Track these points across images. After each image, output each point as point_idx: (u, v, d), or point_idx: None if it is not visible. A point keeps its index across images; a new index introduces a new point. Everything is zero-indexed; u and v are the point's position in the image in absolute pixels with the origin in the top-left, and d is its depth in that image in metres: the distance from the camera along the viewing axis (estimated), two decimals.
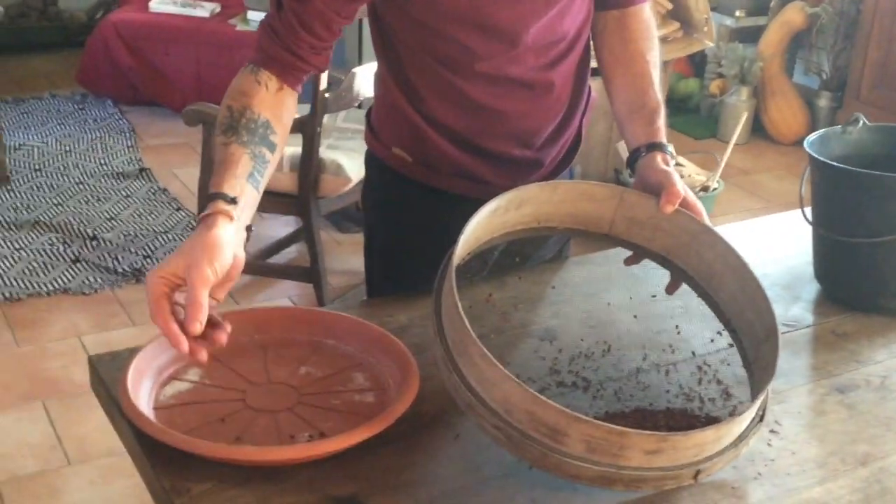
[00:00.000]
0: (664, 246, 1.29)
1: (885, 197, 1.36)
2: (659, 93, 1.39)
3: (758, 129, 4.46)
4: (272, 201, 2.79)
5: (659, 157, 1.30)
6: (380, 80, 1.44)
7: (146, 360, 1.14)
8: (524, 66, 1.36)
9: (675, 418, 1.15)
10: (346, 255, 3.25)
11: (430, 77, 1.36)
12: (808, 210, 1.48)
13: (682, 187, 1.25)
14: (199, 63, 4.34)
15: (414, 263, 1.34)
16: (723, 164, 3.30)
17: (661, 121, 1.36)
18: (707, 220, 1.26)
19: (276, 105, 1.22)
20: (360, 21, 3.22)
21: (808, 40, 4.46)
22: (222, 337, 1.07)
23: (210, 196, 1.13)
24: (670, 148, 1.33)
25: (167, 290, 1.05)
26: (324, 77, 2.56)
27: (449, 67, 1.34)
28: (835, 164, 1.40)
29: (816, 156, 1.42)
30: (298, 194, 2.70)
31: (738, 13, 4.46)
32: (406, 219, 1.49)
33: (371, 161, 1.52)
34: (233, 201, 1.13)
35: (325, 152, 2.74)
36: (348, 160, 2.73)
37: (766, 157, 4.25)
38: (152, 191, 3.70)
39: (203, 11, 4.49)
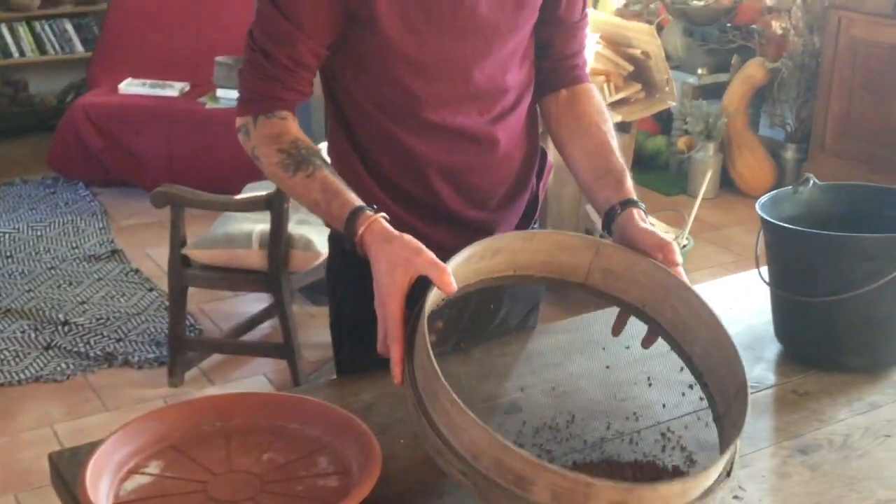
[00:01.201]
0: (639, 298, 1.30)
1: (837, 255, 1.38)
2: (621, 158, 1.42)
3: (727, 183, 4.51)
4: (243, 279, 2.79)
5: (636, 214, 1.32)
6: (333, 148, 1.47)
7: (106, 456, 1.13)
8: (469, 118, 1.40)
9: (643, 470, 1.17)
10: (322, 328, 3.24)
11: (378, 134, 1.40)
12: (766, 270, 1.50)
13: (675, 246, 1.28)
14: (170, 142, 4.38)
15: None
16: (691, 221, 3.34)
17: (629, 182, 1.39)
18: (684, 277, 1.27)
19: (300, 129, 1.36)
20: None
21: (770, 94, 4.54)
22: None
23: (356, 212, 1.23)
24: (643, 205, 1.36)
25: (405, 314, 1.13)
26: None
27: (396, 119, 1.38)
28: (785, 224, 1.42)
29: (767, 217, 1.44)
30: (269, 271, 2.70)
31: (700, 71, 4.55)
32: (369, 291, 1.51)
33: (331, 234, 1.54)
34: (371, 207, 1.24)
35: (294, 228, 2.76)
36: (318, 235, 2.75)
37: (735, 211, 4.29)
38: (124, 272, 3.70)
39: (172, 91, 4.54)
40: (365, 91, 1.38)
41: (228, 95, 4.40)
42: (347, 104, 1.41)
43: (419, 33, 1.32)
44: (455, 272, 1.16)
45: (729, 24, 4.55)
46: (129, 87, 4.54)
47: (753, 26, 4.55)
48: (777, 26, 4.48)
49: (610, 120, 1.47)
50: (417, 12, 1.31)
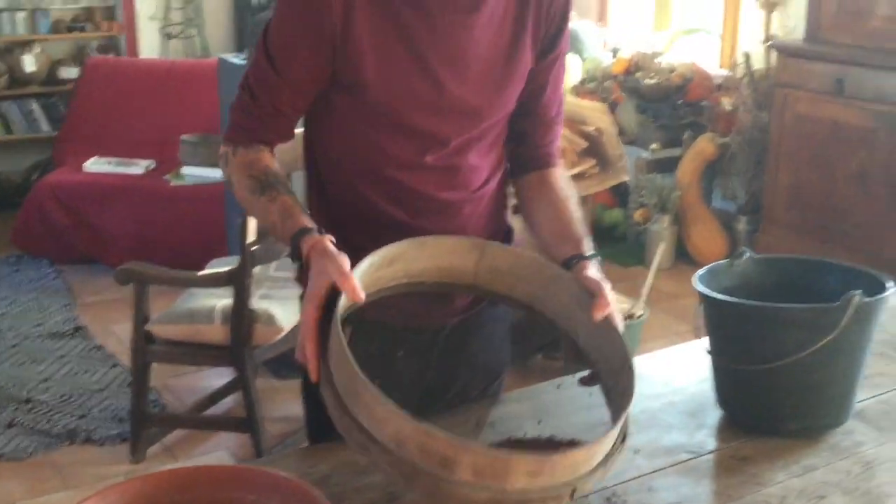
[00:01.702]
0: (526, 292, 1.41)
1: (770, 325, 1.45)
2: (583, 227, 1.52)
3: (682, 253, 4.62)
4: (206, 354, 2.83)
5: (591, 265, 1.42)
6: (306, 195, 1.56)
7: None
8: (437, 187, 1.49)
9: (554, 446, 1.29)
10: (285, 402, 3.27)
11: (346, 188, 1.49)
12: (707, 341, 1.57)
13: (611, 297, 1.36)
14: (136, 219, 4.43)
15: None
16: (646, 291, 3.42)
17: (588, 243, 1.48)
18: (617, 321, 1.36)
19: (275, 161, 1.46)
20: (288, 175, 3.34)
21: (722, 168, 4.68)
22: None
23: (301, 232, 1.32)
24: (598, 258, 1.45)
25: (319, 315, 1.22)
26: (251, 229, 2.65)
27: (366, 176, 1.47)
28: (720, 296, 1.50)
29: (704, 290, 1.52)
30: (231, 345, 2.74)
31: (653, 146, 4.69)
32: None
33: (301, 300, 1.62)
34: (318, 230, 1.33)
35: (257, 302, 2.80)
36: (281, 309, 2.79)
37: (690, 281, 4.37)
38: (88, 349, 3.71)
39: (138, 169, 4.60)
40: (339, 144, 1.48)
41: (193, 173, 4.48)
42: (320, 155, 1.51)
43: (401, 107, 1.42)
44: (361, 280, 1.24)
45: (680, 101, 4.70)
46: (95, 165, 4.59)
47: (703, 103, 4.70)
48: (726, 103, 4.64)
49: (575, 195, 1.58)
50: (400, 86, 1.41)
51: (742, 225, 4.62)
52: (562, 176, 1.59)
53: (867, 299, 1.41)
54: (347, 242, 1.39)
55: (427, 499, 1.08)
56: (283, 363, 3.36)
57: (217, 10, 5.76)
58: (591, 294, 1.36)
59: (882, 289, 1.47)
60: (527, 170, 1.59)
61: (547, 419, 1.49)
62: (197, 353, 2.82)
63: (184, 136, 4.55)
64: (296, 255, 1.33)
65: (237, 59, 3.64)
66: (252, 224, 2.62)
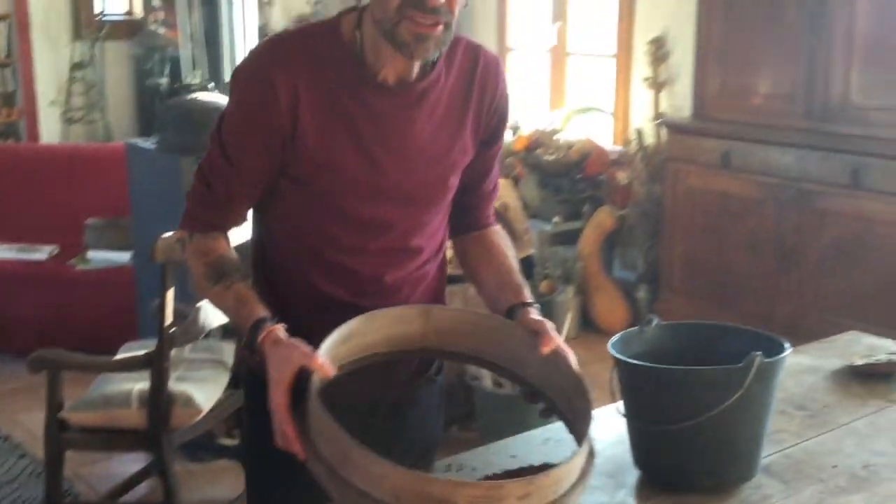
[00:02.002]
0: (472, 347, 1.51)
1: (680, 387, 1.55)
2: (522, 279, 1.64)
3: (587, 322, 4.76)
4: (122, 439, 2.79)
5: (532, 310, 1.53)
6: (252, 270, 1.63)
7: None
8: (377, 269, 1.57)
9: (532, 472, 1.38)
10: (201, 485, 3.24)
11: (286, 264, 1.56)
12: (623, 403, 1.67)
13: (555, 334, 1.48)
14: (40, 306, 4.34)
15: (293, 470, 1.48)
16: None
17: (528, 292, 1.59)
18: (568, 356, 1.48)
19: (230, 247, 1.55)
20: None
21: (620, 239, 4.87)
22: None
23: (257, 323, 1.40)
24: (538, 307, 1.56)
25: (288, 401, 1.29)
26: (169, 311, 2.66)
27: (306, 256, 1.54)
28: (634, 361, 1.60)
29: (618, 355, 1.62)
30: (149, 429, 2.72)
31: (555, 219, 4.85)
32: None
33: (247, 377, 1.69)
34: (273, 318, 1.41)
35: (174, 385, 2.79)
36: (199, 391, 2.79)
37: (597, 349, 4.48)
38: None
39: (41, 255, 4.53)
40: (284, 227, 1.56)
41: (99, 257, 4.44)
42: (266, 235, 1.59)
43: (346, 196, 1.50)
44: (327, 357, 1.32)
45: (579, 176, 4.88)
46: None
47: (601, 177, 4.90)
48: (622, 177, 4.85)
49: (512, 249, 1.71)
50: (346, 176, 1.49)
51: (642, 293, 4.79)
52: (499, 233, 1.72)
53: (768, 360, 1.53)
54: (291, 318, 1.45)
55: None
56: (199, 446, 3.34)
57: (120, 95, 5.77)
58: (537, 332, 1.46)
59: (781, 349, 1.59)
60: (467, 230, 1.70)
61: (518, 454, 1.62)
62: (113, 439, 2.78)
63: (89, 220, 4.52)
64: (251, 343, 1.39)
65: (145, 144, 3.66)
66: (170, 307, 2.63)
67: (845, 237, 3.80)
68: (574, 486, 1.26)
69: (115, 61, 5.72)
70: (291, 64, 1.45)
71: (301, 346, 1.34)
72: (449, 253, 1.74)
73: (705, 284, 4.37)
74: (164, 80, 5.00)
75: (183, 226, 1.56)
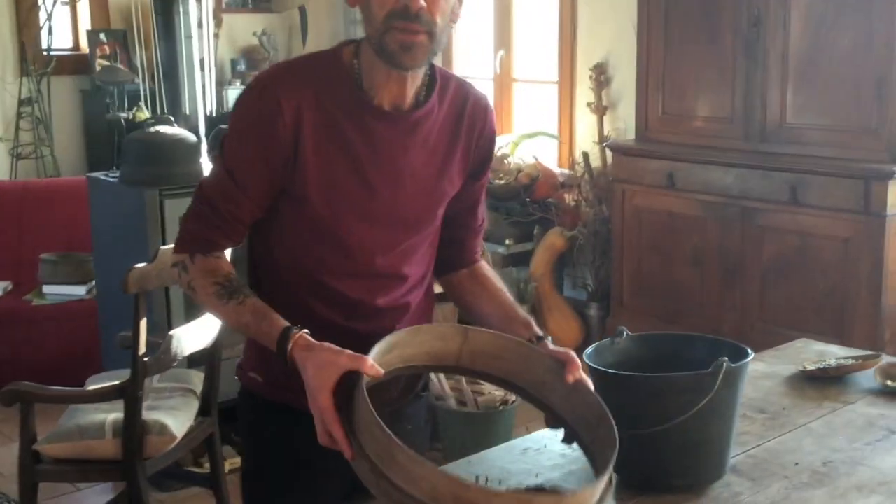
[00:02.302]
0: (503, 370, 1.60)
1: (654, 393, 1.65)
2: (524, 311, 1.74)
3: None
4: (96, 470, 2.82)
5: (549, 342, 1.63)
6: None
7: None
8: (366, 294, 1.64)
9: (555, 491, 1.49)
10: None
11: (281, 289, 1.63)
12: None
13: (579, 364, 1.58)
14: None
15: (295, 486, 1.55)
16: None
17: (536, 325, 1.69)
18: (588, 381, 1.58)
19: (231, 265, 1.62)
20: (167, 290, 3.40)
21: (571, 259, 5.00)
22: None
23: (285, 332, 1.47)
24: (550, 338, 1.67)
25: (334, 403, 1.36)
26: (142, 341, 2.70)
27: (302, 282, 1.62)
28: (605, 369, 1.69)
29: (594, 365, 1.72)
30: (123, 459, 2.75)
31: (507, 241, 4.97)
32: (275, 445, 1.68)
33: (240, 397, 1.76)
34: (297, 326, 1.48)
35: (146, 414, 2.83)
36: (172, 419, 2.83)
37: None
38: None
39: None
40: (280, 248, 1.63)
41: (55, 291, 4.43)
42: (261, 255, 1.66)
43: (341, 219, 1.58)
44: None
45: (529, 199, 5.00)
46: None
47: (550, 200, 5.03)
48: (570, 199, 4.99)
49: (503, 284, 1.81)
50: (341, 197, 1.57)
51: (593, 311, 4.92)
52: (488, 268, 1.82)
53: (733, 364, 1.64)
54: None
55: None
56: (168, 475, 3.36)
57: (67, 130, 5.77)
58: (563, 362, 1.57)
59: (745, 355, 1.70)
60: (456, 267, 1.79)
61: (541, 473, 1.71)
62: (87, 470, 2.80)
63: (43, 255, 4.51)
64: (282, 351, 1.46)
65: (106, 177, 3.69)
66: (143, 336, 2.67)
67: (786, 252, 3.97)
68: None
69: (62, 96, 5.72)
70: (295, 87, 1.54)
71: (342, 350, 1.40)
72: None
73: (654, 301, 4.51)
74: (123, 115, 5.02)
75: (181, 249, 1.61)
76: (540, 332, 1.67)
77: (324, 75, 1.57)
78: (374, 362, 1.38)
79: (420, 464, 1.23)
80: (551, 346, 1.63)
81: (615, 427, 1.44)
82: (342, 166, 1.56)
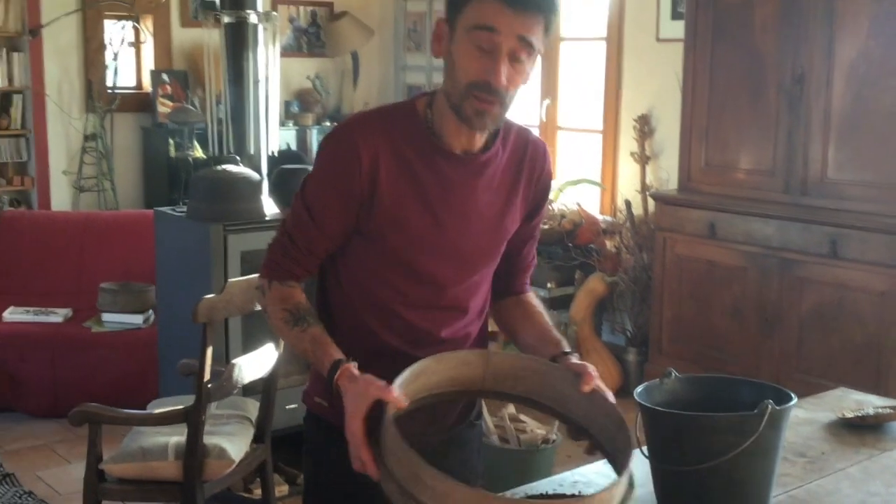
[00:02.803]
0: (525, 389, 1.70)
1: (700, 432, 1.75)
2: (558, 333, 1.85)
3: None
4: (157, 490, 2.95)
5: (573, 357, 1.74)
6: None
7: None
8: (433, 324, 1.77)
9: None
10: None
11: (353, 321, 1.76)
12: (647, 448, 1.87)
13: (596, 374, 1.68)
14: (55, 366, 4.48)
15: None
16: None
17: (566, 344, 1.80)
18: (607, 393, 1.68)
19: (304, 294, 1.75)
20: (227, 321, 3.55)
21: (611, 304, 5.11)
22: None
23: (335, 363, 1.60)
24: (577, 354, 1.77)
25: (365, 429, 1.48)
26: (207, 369, 2.84)
27: (373, 311, 1.75)
28: (655, 407, 1.80)
29: (644, 403, 1.82)
30: (184, 481, 2.88)
31: (549, 285, 5.08)
32: (338, 466, 1.80)
33: (306, 420, 1.89)
34: (347, 359, 1.61)
35: (206, 438, 2.96)
36: (230, 444, 2.96)
37: None
38: (18, 495, 3.72)
39: (56, 317, 4.69)
40: (351, 279, 1.76)
41: (114, 319, 4.61)
42: (332, 285, 1.79)
43: (413, 253, 1.72)
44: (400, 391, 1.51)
45: (571, 244, 5.13)
46: (13, 315, 4.66)
47: (591, 245, 5.15)
48: (611, 245, 5.11)
49: (545, 310, 1.93)
50: (414, 233, 1.71)
51: (631, 356, 5.01)
52: (534, 298, 1.94)
53: (778, 407, 1.74)
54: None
55: None
56: (222, 499, 3.48)
57: (126, 165, 5.99)
58: (579, 374, 1.67)
59: (788, 399, 1.81)
60: (506, 295, 1.92)
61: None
62: (148, 490, 2.93)
63: (103, 285, 4.69)
64: (329, 381, 1.60)
65: (173, 212, 3.87)
66: (208, 363, 2.82)
67: (824, 303, 4.05)
68: None
69: (123, 133, 5.94)
70: (374, 135, 1.69)
71: (376, 380, 1.53)
72: None
73: (692, 347, 4.59)
74: (192, 153, 5.23)
75: (264, 274, 1.77)
76: (567, 349, 1.78)
77: (399, 123, 1.72)
78: (398, 392, 1.49)
79: (445, 482, 1.34)
80: (573, 360, 1.73)
81: (630, 432, 1.56)
82: (415, 205, 1.70)
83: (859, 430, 2.26)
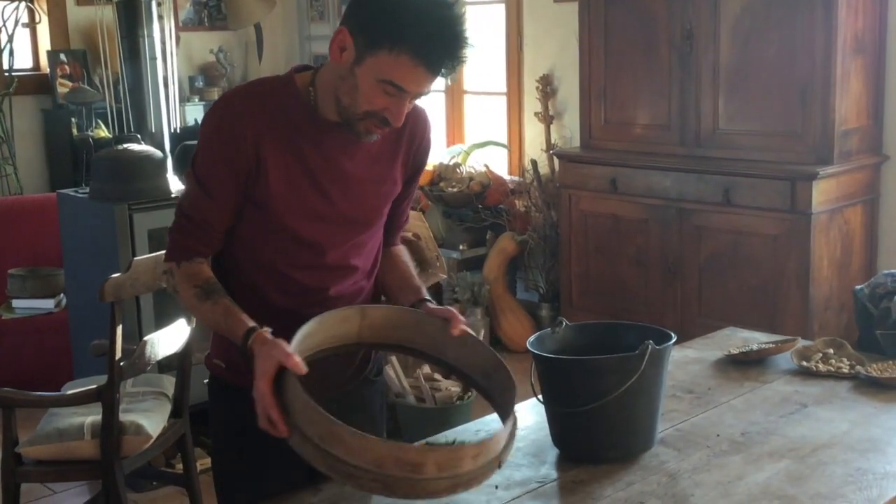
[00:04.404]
0: (399, 337, 1.81)
1: (587, 374, 1.87)
2: (420, 282, 1.97)
3: (495, 341, 5.08)
4: (74, 470, 2.97)
5: (432, 304, 1.86)
6: None
7: None
8: (321, 282, 1.86)
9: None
10: None
11: (247, 285, 1.84)
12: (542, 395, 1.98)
13: (462, 318, 1.80)
14: None
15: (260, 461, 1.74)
16: None
17: (424, 291, 1.92)
18: (469, 330, 1.80)
19: (210, 270, 1.81)
20: (138, 299, 3.56)
21: (522, 262, 5.23)
22: None
23: (249, 330, 1.67)
24: (433, 300, 1.89)
25: (272, 389, 1.55)
26: (118, 348, 2.86)
27: (263, 272, 1.83)
28: (548, 355, 1.91)
29: (536, 351, 1.93)
30: (102, 459, 2.90)
31: (461, 247, 5.18)
32: (238, 422, 1.87)
33: (209, 384, 1.97)
34: (261, 326, 1.67)
35: (122, 416, 2.98)
36: (146, 420, 2.99)
37: (507, 364, 4.82)
38: None
39: None
40: (243, 245, 1.83)
41: (24, 305, 4.56)
42: (227, 253, 1.85)
43: (299, 219, 1.80)
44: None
45: (480, 206, 5.22)
46: None
47: (501, 206, 5.26)
48: (520, 205, 5.22)
49: (412, 262, 2.05)
50: (298, 201, 1.79)
51: (545, 311, 5.15)
52: (402, 250, 2.06)
53: (658, 347, 1.86)
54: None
55: (406, 499, 1.45)
56: (143, 475, 3.52)
57: (29, 149, 5.88)
58: (447, 319, 1.78)
59: (668, 338, 1.93)
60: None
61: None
62: (66, 470, 2.95)
63: (11, 271, 4.63)
64: (244, 347, 1.66)
65: (76, 194, 3.84)
66: (118, 342, 2.84)
67: (721, 250, 4.23)
68: (507, 445, 1.60)
69: (23, 116, 5.83)
70: (255, 109, 1.75)
71: (282, 344, 1.61)
72: None
73: (601, 299, 4.74)
74: (90, 133, 5.16)
75: (168, 258, 1.82)
76: (426, 296, 1.89)
77: (279, 96, 1.78)
78: (299, 359, 1.57)
79: (361, 437, 1.43)
80: (431, 306, 1.84)
81: (508, 370, 1.69)
82: (299, 175, 1.78)
83: (744, 365, 2.40)
